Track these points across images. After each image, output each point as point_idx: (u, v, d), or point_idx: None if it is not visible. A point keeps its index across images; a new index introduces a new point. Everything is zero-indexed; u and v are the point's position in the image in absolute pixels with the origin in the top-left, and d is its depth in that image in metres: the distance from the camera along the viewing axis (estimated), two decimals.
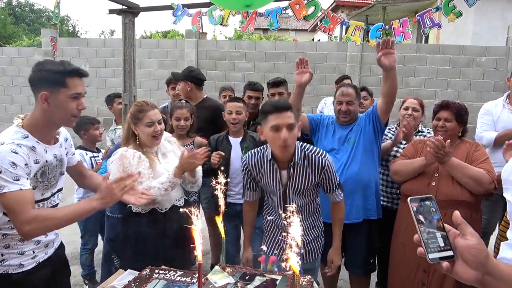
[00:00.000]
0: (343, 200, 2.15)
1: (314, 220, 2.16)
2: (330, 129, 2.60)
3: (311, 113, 3.09)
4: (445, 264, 0.80)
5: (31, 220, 1.43)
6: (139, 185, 1.99)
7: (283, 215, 2.00)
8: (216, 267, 1.68)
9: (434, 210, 0.85)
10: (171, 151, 2.28)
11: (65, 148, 1.77)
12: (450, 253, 0.81)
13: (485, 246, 0.80)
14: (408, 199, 0.86)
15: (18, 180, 1.43)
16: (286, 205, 2.02)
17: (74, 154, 1.87)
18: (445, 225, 0.84)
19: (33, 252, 1.63)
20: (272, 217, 2.16)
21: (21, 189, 1.43)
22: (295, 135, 1.91)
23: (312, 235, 2.15)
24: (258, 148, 2.11)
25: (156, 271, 1.70)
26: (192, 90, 3.29)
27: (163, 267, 1.75)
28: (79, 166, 1.92)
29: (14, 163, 1.43)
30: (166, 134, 2.32)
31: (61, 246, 1.86)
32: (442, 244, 0.81)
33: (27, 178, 1.48)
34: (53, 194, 1.70)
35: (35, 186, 1.57)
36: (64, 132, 1.80)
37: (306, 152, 2.00)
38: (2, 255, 1.56)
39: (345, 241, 2.48)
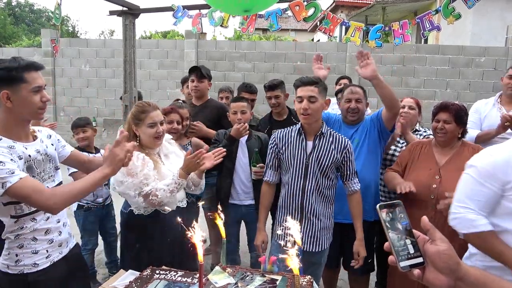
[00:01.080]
0: (360, 192, 2.23)
1: (328, 213, 2.24)
2: (335, 127, 2.61)
3: None
4: (416, 271, 0.79)
5: (50, 196, 1.48)
6: (145, 187, 1.97)
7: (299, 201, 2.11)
8: (217, 268, 1.69)
9: (402, 216, 0.83)
10: (172, 152, 2.26)
11: (52, 144, 1.78)
12: (420, 259, 0.79)
13: (455, 251, 0.79)
14: (377, 206, 0.85)
15: (13, 173, 1.45)
16: (306, 183, 2.14)
17: (65, 146, 1.88)
18: (414, 230, 0.82)
19: (47, 251, 1.67)
20: (288, 202, 2.22)
21: (21, 178, 1.45)
22: (318, 107, 2.11)
23: (323, 225, 2.21)
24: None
25: (157, 271, 1.71)
26: (209, 89, 3.42)
27: (164, 267, 1.77)
28: (74, 155, 1.93)
29: (1, 162, 1.44)
30: (166, 136, 2.32)
31: (77, 246, 1.91)
32: (412, 251, 0.80)
33: (22, 170, 1.51)
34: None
35: None
36: (45, 130, 1.82)
37: (331, 132, 2.23)
38: (17, 255, 1.61)
39: (343, 241, 2.49)
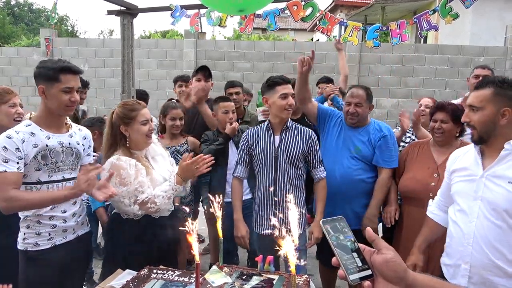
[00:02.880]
0: (325, 179, 2.36)
1: (300, 201, 2.35)
2: (338, 126, 2.61)
3: None
4: (366, 283, 0.78)
5: (6, 199, 1.67)
6: (141, 195, 1.91)
7: (272, 189, 2.25)
8: (214, 267, 1.70)
9: (346, 230, 0.84)
10: (159, 154, 2.16)
11: (82, 145, 1.98)
12: (369, 272, 0.79)
13: (401, 259, 0.79)
14: (320, 221, 0.86)
15: (7, 162, 1.67)
16: (277, 175, 2.29)
17: (89, 156, 2.05)
18: (359, 244, 0.83)
19: (49, 234, 1.85)
20: (261, 193, 2.37)
21: (5, 171, 1.66)
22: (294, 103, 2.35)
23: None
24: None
25: (154, 271, 1.72)
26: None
27: (161, 267, 1.77)
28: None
29: (5, 147, 1.67)
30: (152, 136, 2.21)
31: (86, 235, 2.04)
32: (360, 264, 0.80)
33: (18, 162, 1.70)
34: (66, 179, 1.88)
35: (38, 167, 1.78)
36: (85, 130, 2.02)
37: (295, 125, 2.40)
38: (24, 233, 1.84)
39: None
